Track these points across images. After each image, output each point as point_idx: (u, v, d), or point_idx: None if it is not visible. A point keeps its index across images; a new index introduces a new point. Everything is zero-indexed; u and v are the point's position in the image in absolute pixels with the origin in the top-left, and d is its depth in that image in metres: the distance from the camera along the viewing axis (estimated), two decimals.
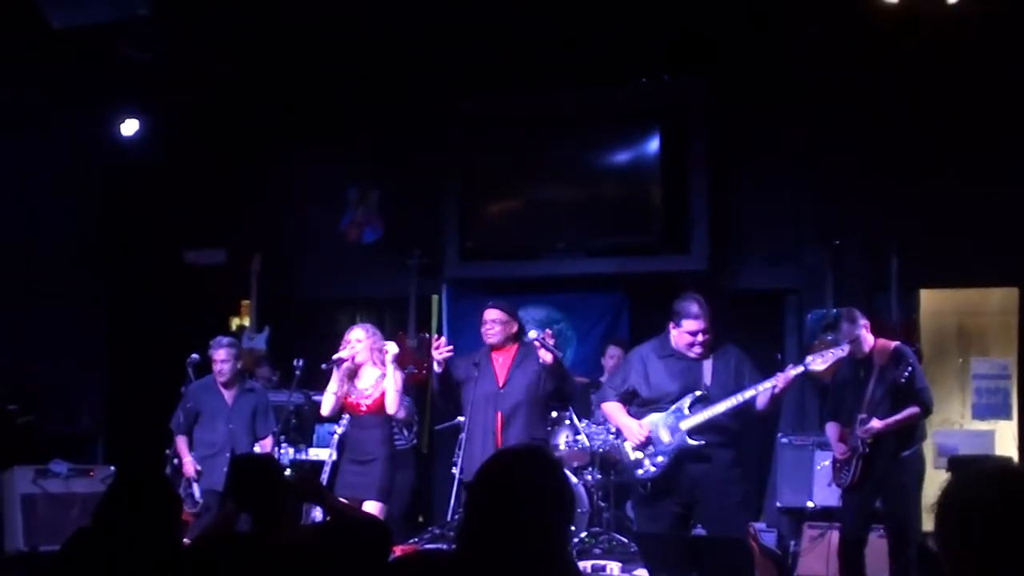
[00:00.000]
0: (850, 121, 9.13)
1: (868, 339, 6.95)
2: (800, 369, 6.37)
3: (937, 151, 8.82)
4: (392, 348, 7.24)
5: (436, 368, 7.18)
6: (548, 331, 7.08)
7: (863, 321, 7.00)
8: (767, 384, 6.26)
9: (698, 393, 6.33)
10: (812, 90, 9.28)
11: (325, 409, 7.32)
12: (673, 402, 6.37)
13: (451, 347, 7.18)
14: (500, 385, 7.15)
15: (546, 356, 6.88)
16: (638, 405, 6.54)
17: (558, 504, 2.66)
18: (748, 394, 6.26)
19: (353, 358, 7.20)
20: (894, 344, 6.98)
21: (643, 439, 6.37)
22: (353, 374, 7.22)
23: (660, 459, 6.34)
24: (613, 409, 6.65)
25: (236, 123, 10.38)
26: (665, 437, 6.35)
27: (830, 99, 9.21)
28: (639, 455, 6.42)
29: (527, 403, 7.12)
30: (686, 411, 6.32)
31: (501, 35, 9.06)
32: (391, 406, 7.13)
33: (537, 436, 7.10)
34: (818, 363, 6.46)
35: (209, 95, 9.94)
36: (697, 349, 6.39)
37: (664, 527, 6.36)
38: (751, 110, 9.66)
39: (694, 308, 6.35)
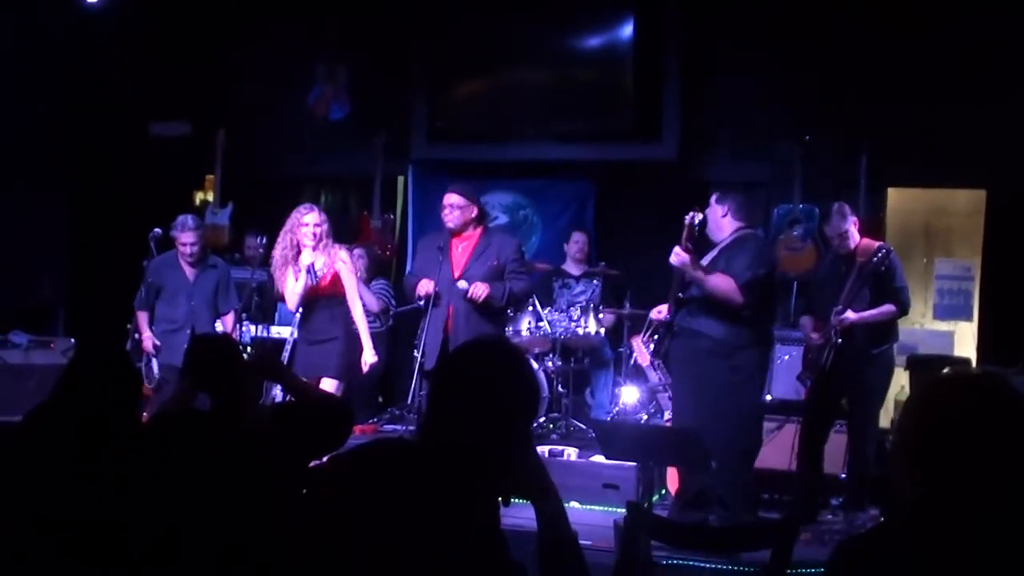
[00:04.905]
0: (825, 18, 9.01)
1: (854, 236, 6.90)
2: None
3: (910, 52, 8.73)
4: (344, 256, 7.26)
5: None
6: (477, 284, 7.05)
7: (852, 218, 6.95)
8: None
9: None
10: None
11: (292, 305, 7.27)
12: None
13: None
14: (456, 276, 7.14)
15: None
16: None
17: (521, 398, 2.64)
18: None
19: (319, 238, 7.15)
20: (878, 243, 6.88)
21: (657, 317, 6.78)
22: (299, 253, 7.19)
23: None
24: None
25: None
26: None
27: None
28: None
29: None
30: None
31: None
32: (361, 306, 7.32)
33: (487, 332, 7.01)
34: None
35: None
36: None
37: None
38: (726, 1, 9.53)
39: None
